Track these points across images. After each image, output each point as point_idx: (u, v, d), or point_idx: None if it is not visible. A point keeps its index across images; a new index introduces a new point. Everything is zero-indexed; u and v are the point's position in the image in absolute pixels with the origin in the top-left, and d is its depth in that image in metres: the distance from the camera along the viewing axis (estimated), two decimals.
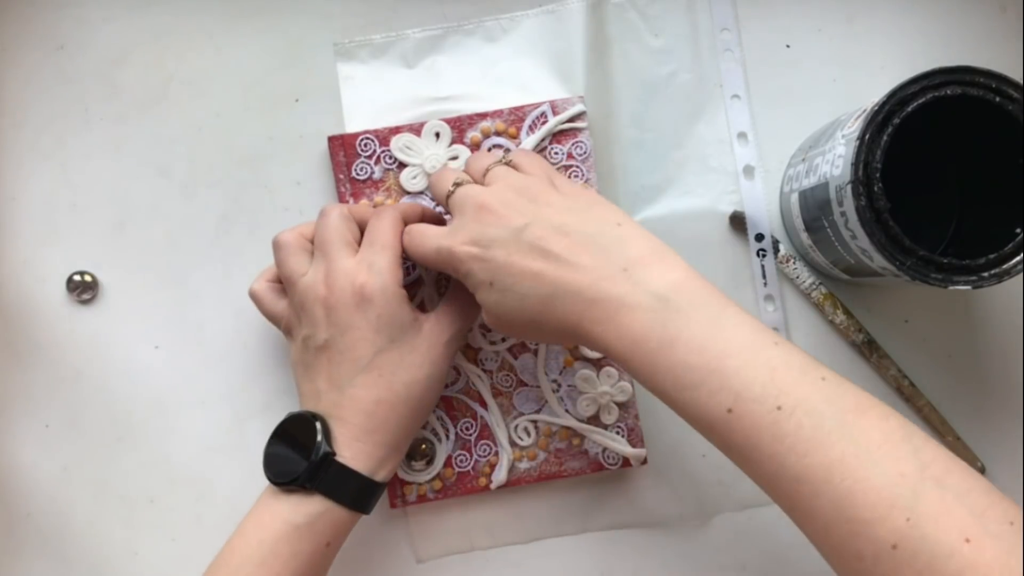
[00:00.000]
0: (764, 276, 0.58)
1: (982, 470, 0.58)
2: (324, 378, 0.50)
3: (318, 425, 0.48)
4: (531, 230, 0.45)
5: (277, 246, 0.52)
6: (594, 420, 0.57)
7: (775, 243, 0.58)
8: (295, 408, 0.58)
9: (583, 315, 0.44)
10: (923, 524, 0.36)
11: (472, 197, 0.48)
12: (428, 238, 0.49)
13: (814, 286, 0.57)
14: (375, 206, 0.56)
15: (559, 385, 0.57)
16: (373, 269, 0.49)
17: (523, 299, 0.45)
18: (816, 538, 0.40)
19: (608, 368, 0.56)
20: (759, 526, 0.58)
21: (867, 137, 0.46)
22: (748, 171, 0.59)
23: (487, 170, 0.50)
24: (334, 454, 0.48)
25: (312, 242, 0.52)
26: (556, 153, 0.57)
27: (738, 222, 0.58)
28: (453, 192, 0.49)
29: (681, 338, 0.42)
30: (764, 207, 0.58)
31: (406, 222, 0.52)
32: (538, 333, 0.47)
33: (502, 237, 0.46)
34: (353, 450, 0.49)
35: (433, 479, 0.56)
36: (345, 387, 0.49)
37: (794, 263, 0.57)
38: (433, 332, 0.51)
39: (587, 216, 0.46)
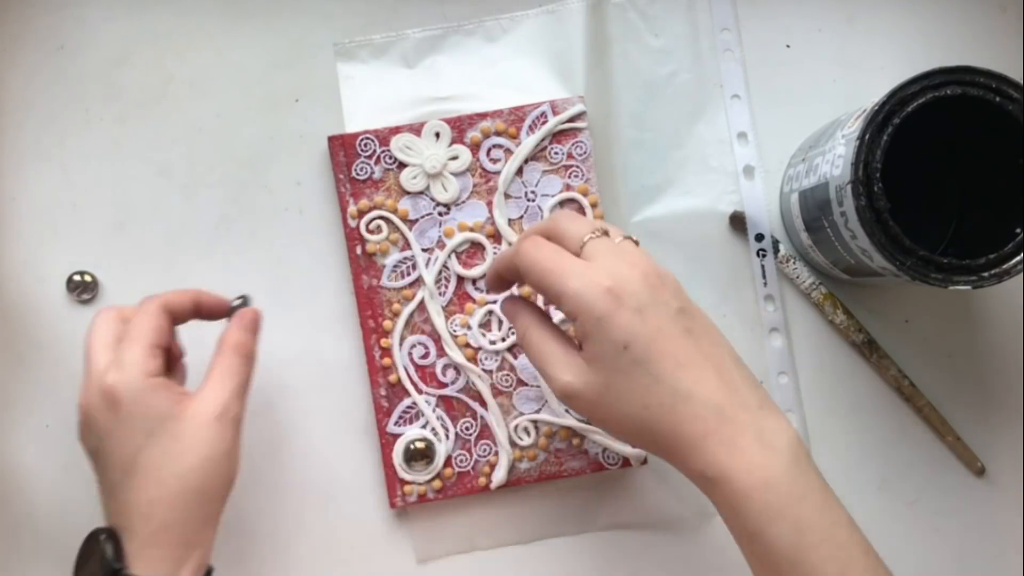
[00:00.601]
0: (764, 276, 0.58)
1: (982, 470, 0.58)
2: (103, 488, 0.48)
3: (104, 543, 0.45)
4: (686, 319, 0.42)
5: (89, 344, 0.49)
6: None
7: (775, 243, 0.58)
8: (295, 407, 0.58)
9: (712, 431, 0.41)
10: None
11: (622, 252, 0.43)
12: (566, 259, 0.43)
13: (814, 286, 0.57)
14: (375, 206, 0.56)
15: None
16: (121, 366, 0.46)
17: (654, 382, 0.41)
18: None
19: None
20: None
21: (867, 137, 0.46)
22: (748, 171, 0.59)
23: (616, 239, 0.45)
24: (123, 569, 0.45)
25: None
26: (556, 153, 0.57)
27: (738, 222, 0.58)
28: (597, 237, 0.44)
29: (808, 497, 0.41)
30: (764, 207, 0.58)
31: (172, 312, 0.50)
32: (630, 425, 0.42)
33: (657, 308, 0.42)
34: (146, 559, 0.45)
35: (433, 479, 0.56)
36: (119, 495, 0.46)
37: (794, 263, 0.57)
38: (198, 413, 0.46)
39: (720, 333, 0.44)
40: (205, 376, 0.49)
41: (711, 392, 0.42)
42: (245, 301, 0.53)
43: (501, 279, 0.49)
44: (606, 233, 0.45)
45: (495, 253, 0.56)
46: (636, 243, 0.45)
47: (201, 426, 0.46)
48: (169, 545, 0.46)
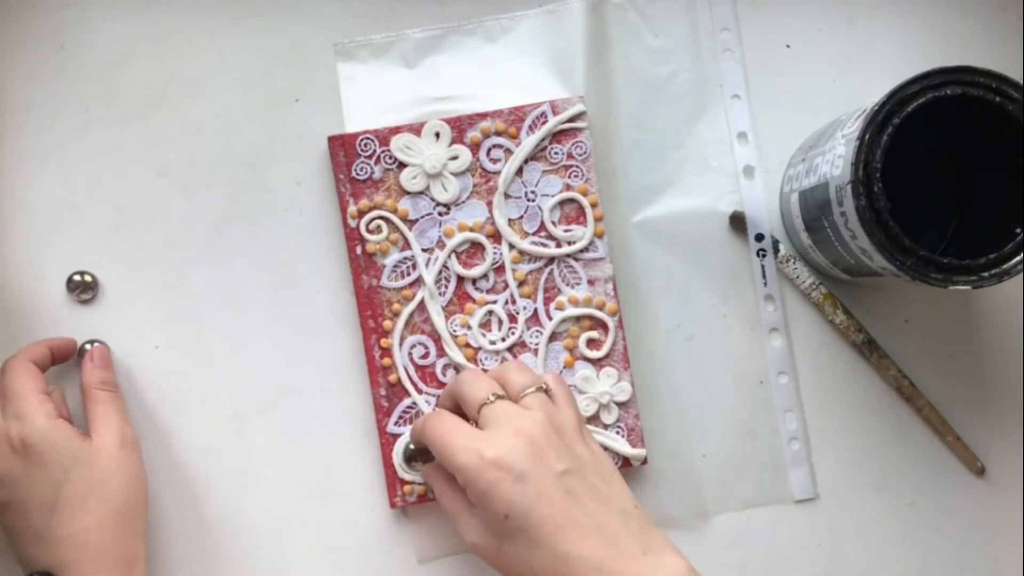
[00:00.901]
0: (764, 276, 0.58)
1: (982, 470, 0.58)
2: (25, 539, 0.49)
3: None
4: (569, 479, 0.45)
5: None
6: (594, 420, 0.57)
7: (775, 243, 0.58)
8: (295, 407, 0.58)
9: None
10: None
11: (512, 418, 0.46)
12: (459, 434, 0.46)
13: (814, 286, 0.57)
14: (375, 206, 0.56)
15: None
16: (20, 417, 0.50)
17: (534, 546, 0.44)
18: None
19: (608, 368, 0.56)
20: (759, 526, 0.58)
21: (867, 137, 0.46)
22: (748, 171, 0.59)
23: (523, 394, 0.48)
24: None
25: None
26: (556, 153, 0.57)
27: (738, 222, 0.58)
28: (491, 403, 0.48)
29: None
30: (764, 207, 0.58)
31: (36, 362, 0.53)
32: None
33: (539, 474, 0.44)
34: None
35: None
36: (47, 534, 0.49)
37: (794, 263, 0.57)
38: (103, 445, 0.51)
39: (613, 485, 0.46)
40: (87, 421, 0.53)
41: (590, 550, 0.43)
42: (92, 343, 0.57)
43: (420, 444, 0.51)
44: (501, 397, 0.48)
45: (495, 253, 0.56)
46: (546, 391, 0.49)
47: (109, 455, 0.51)
48: (112, 566, 0.49)
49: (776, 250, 0.58)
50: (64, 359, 0.56)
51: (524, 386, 0.49)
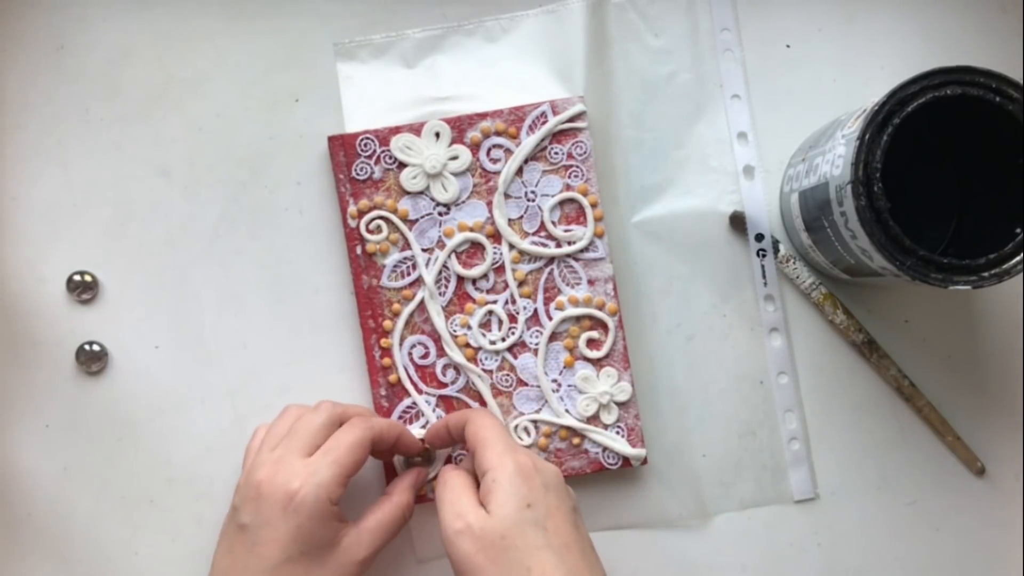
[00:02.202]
0: (764, 276, 0.58)
1: (982, 470, 0.58)
2: (233, 561, 0.49)
3: None
4: (567, 521, 0.48)
5: (286, 411, 0.53)
6: (594, 420, 0.57)
7: (775, 243, 0.58)
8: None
9: None
10: None
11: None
12: (507, 439, 0.50)
13: (814, 286, 0.57)
14: (375, 206, 0.56)
15: (559, 385, 0.57)
16: (314, 479, 0.48)
17: (544, 546, 0.46)
18: None
19: (608, 368, 0.56)
20: (759, 526, 0.58)
21: (867, 137, 0.46)
22: (748, 171, 0.59)
23: None
24: None
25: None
26: (556, 153, 0.57)
27: (738, 222, 0.58)
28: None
29: None
30: (764, 207, 0.58)
31: (376, 444, 0.52)
32: None
33: (559, 492, 0.48)
34: None
35: (433, 479, 0.56)
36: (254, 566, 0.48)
37: (794, 263, 0.57)
38: (350, 550, 0.49)
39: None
40: (367, 514, 0.51)
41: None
42: (428, 457, 0.56)
43: (447, 433, 0.53)
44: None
45: (495, 253, 0.57)
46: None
47: (346, 564, 0.49)
48: None
49: (776, 250, 0.58)
50: (403, 454, 0.56)
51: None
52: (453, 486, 0.49)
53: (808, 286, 0.58)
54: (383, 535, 0.51)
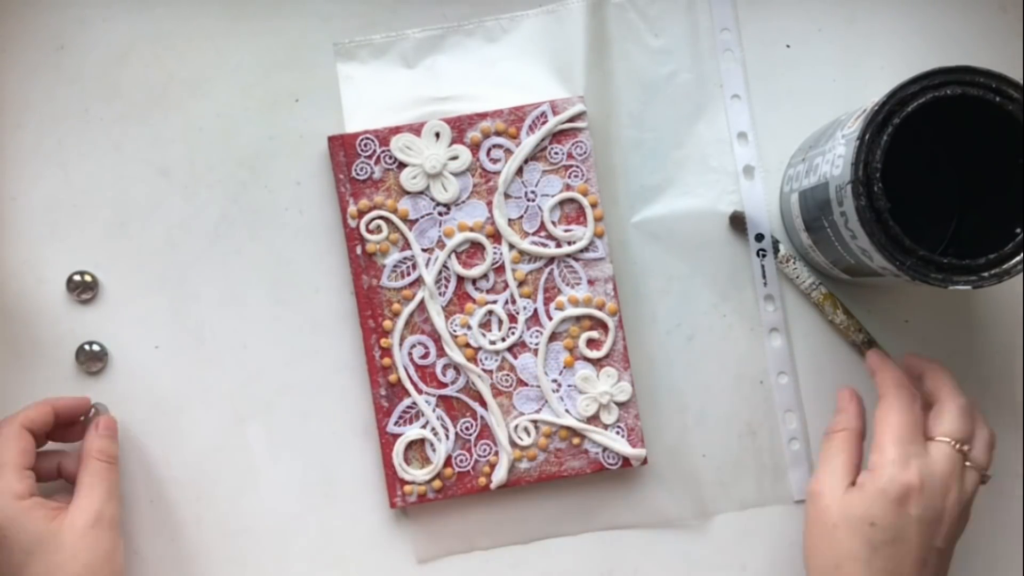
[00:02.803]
0: (764, 276, 0.58)
1: (985, 479, 0.58)
2: None
3: None
4: (932, 554, 0.48)
5: None
6: (594, 420, 0.57)
7: (775, 243, 0.58)
8: (295, 407, 0.58)
9: None
10: None
11: (952, 481, 0.49)
12: (914, 429, 0.49)
13: (814, 286, 0.57)
14: (375, 206, 0.56)
15: (559, 385, 0.57)
16: None
17: (859, 560, 0.47)
18: None
19: (608, 368, 0.56)
20: (759, 526, 0.58)
21: (867, 137, 0.46)
22: (748, 171, 0.59)
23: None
24: None
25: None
26: (556, 153, 0.57)
27: (738, 222, 0.58)
28: (949, 448, 0.49)
29: None
30: (764, 207, 0.58)
31: (33, 429, 0.52)
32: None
33: (925, 532, 0.48)
34: None
35: (433, 479, 0.56)
36: None
37: (794, 263, 0.57)
38: (74, 524, 0.50)
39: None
40: (76, 488, 0.52)
41: None
42: (98, 409, 0.56)
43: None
44: (963, 455, 0.49)
45: (495, 253, 0.56)
46: (983, 481, 0.50)
47: (79, 536, 0.50)
48: None
49: (776, 250, 0.58)
50: (73, 416, 0.55)
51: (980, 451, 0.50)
52: (840, 450, 0.50)
53: (808, 286, 0.58)
54: (97, 489, 0.51)
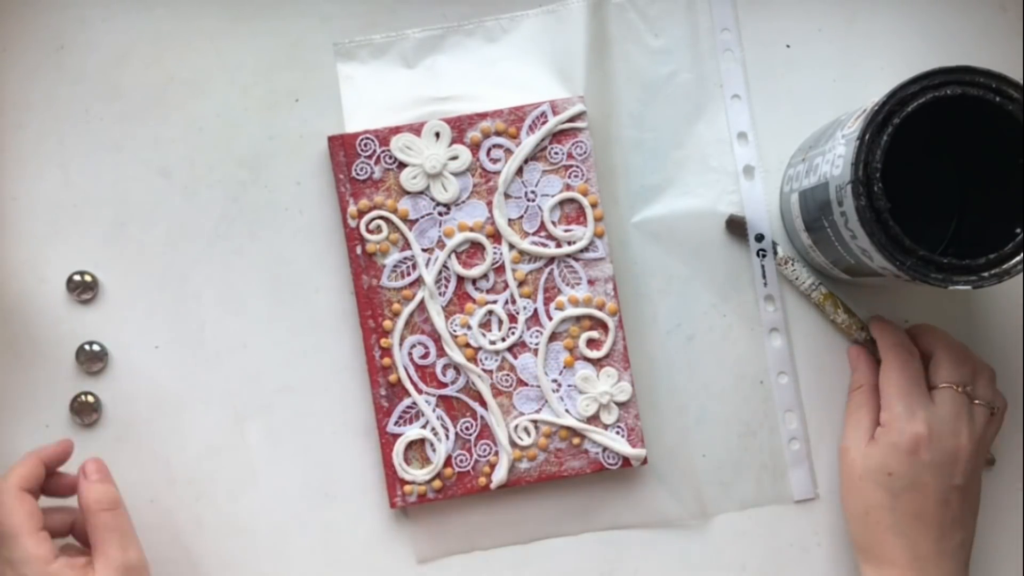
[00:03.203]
0: (764, 276, 0.58)
1: (991, 461, 0.58)
2: None
3: None
4: (956, 493, 0.52)
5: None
6: (594, 420, 0.57)
7: (773, 245, 0.58)
8: (295, 407, 0.58)
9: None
10: None
11: (962, 420, 0.52)
12: (919, 384, 0.53)
13: (814, 287, 0.57)
14: (375, 206, 0.56)
15: (559, 385, 0.57)
16: (14, 565, 0.47)
17: (880, 508, 0.52)
18: None
19: (608, 368, 0.56)
20: (759, 526, 0.58)
21: (867, 137, 0.46)
22: (748, 171, 0.59)
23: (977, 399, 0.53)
24: None
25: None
26: (556, 153, 0.57)
27: (735, 227, 0.58)
28: (954, 392, 0.53)
29: None
30: (764, 207, 0.58)
31: (30, 488, 0.50)
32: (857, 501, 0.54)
33: (940, 476, 0.52)
34: None
35: (433, 479, 0.56)
36: None
37: (792, 265, 0.57)
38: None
39: (967, 523, 0.54)
40: (92, 546, 0.50)
41: (901, 550, 0.52)
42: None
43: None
44: (968, 396, 0.53)
45: (495, 253, 0.56)
46: (993, 413, 0.54)
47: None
48: None
49: (775, 252, 0.58)
50: (60, 463, 0.53)
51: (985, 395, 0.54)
52: (860, 405, 0.55)
53: (808, 287, 0.58)
54: (112, 541, 0.50)
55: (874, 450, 0.52)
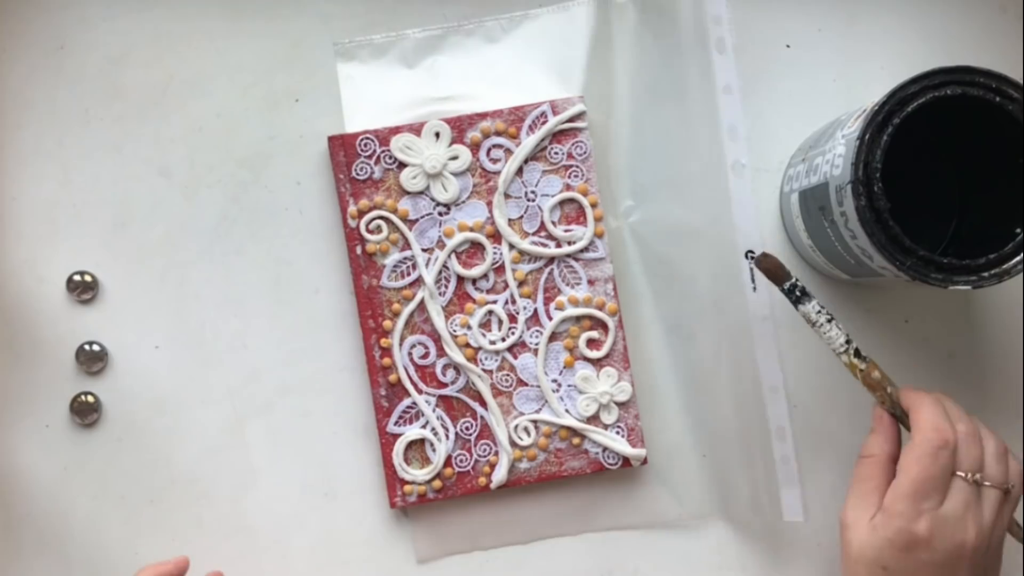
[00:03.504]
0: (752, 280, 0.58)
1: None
2: None
3: None
4: None
5: None
6: (594, 420, 0.57)
7: (803, 290, 0.51)
8: (295, 407, 0.58)
9: None
10: None
11: (970, 518, 0.47)
12: (936, 467, 0.47)
13: (843, 348, 0.51)
14: (375, 206, 0.56)
15: (559, 385, 0.57)
16: None
17: None
18: None
19: (608, 368, 0.56)
20: (759, 526, 0.58)
21: (867, 137, 0.46)
22: (745, 170, 0.58)
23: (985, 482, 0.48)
24: None
25: None
26: (556, 153, 0.57)
27: (772, 271, 0.51)
28: (965, 484, 0.47)
29: None
30: (753, 205, 0.57)
31: None
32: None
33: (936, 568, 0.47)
34: None
35: (433, 479, 0.56)
36: None
37: (827, 324, 0.50)
38: None
39: None
40: None
41: None
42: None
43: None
44: (977, 484, 0.48)
45: (495, 253, 0.57)
46: (1008, 492, 0.48)
47: None
48: None
49: (801, 301, 0.50)
50: None
51: (993, 475, 0.48)
52: (867, 477, 0.49)
53: (839, 346, 0.51)
54: None
55: (872, 539, 0.47)
